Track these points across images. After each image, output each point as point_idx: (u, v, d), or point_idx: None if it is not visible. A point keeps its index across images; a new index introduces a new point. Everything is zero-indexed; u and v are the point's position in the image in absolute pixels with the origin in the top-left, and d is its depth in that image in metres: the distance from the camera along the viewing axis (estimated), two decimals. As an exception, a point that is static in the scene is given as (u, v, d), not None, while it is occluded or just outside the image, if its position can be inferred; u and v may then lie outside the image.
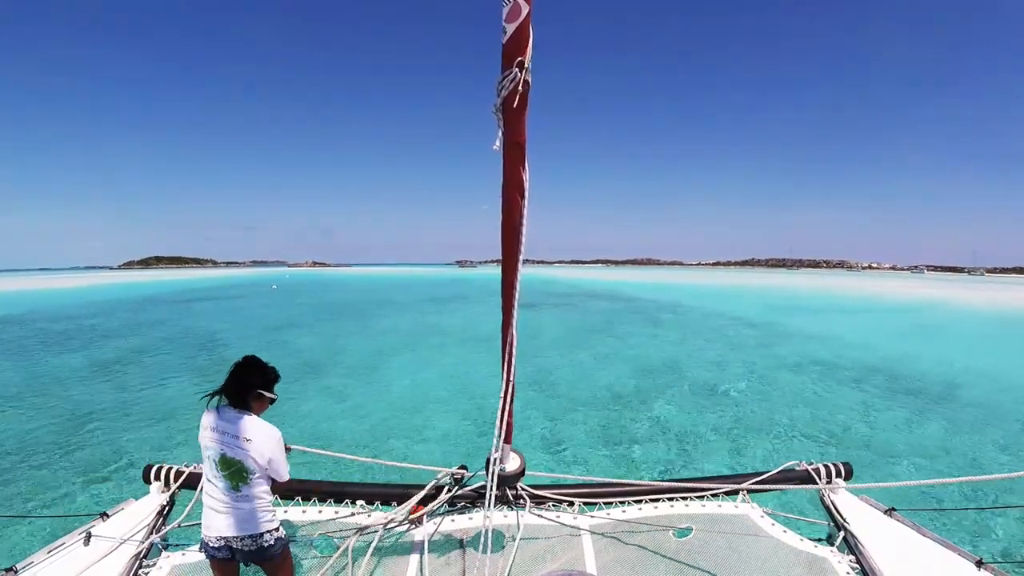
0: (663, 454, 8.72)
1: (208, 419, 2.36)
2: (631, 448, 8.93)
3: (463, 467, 3.00)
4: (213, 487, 2.33)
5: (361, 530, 2.73)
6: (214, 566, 2.39)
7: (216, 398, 2.37)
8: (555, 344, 19.72)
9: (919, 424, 10.38)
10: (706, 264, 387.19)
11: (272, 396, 2.45)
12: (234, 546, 2.32)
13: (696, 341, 21.13)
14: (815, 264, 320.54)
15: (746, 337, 22.13)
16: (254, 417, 2.37)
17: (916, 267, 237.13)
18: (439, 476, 2.96)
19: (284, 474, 2.42)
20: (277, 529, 2.40)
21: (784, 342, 20.72)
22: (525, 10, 1.79)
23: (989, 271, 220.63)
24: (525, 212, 2.22)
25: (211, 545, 2.33)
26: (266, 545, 2.34)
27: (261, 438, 2.33)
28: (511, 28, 1.82)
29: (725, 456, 8.66)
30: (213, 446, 2.30)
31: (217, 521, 2.31)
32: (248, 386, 2.36)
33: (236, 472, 2.30)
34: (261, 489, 2.37)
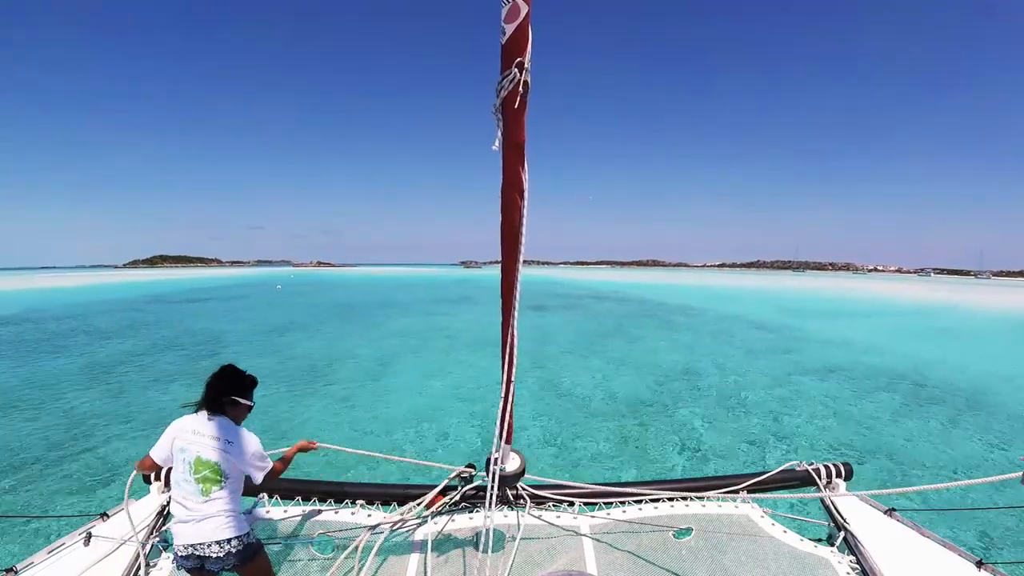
0: (685, 463, 8.58)
1: (185, 423, 2.38)
2: (653, 460, 8.75)
3: (471, 465, 3.00)
4: (182, 492, 2.30)
5: (361, 530, 2.74)
6: None
7: (195, 406, 2.43)
8: (566, 349, 19.57)
9: (945, 434, 10.17)
10: (711, 265, 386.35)
11: (249, 403, 2.48)
12: (201, 553, 2.27)
13: (710, 345, 20.92)
14: (821, 266, 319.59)
15: (759, 341, 21.96)
16: (231, 422, 2.41)
17: (923, 270, 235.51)
18: (449, 476, 2.97)
19: (258, 479, 2.42)
20: (247, 535, 2.35)
21: (799, 346, 20.55)
22: (524, 10, 1.79)
23: (995, 274, 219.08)
24: (525, 212, 2.22)
25: (179, 555, 2.30)
26: (235, 551, 2.29)
27: (238, 442, 2.36)
28: (510, 29, 1.82)
29: (746, 464, 8.53)
30: (189, 448, 2.32)
31: (185, 529, 2.27)
32: (221, 392, 2.40)
33: (209, 474, 2.29)
34: (231, 495, 2.35)
